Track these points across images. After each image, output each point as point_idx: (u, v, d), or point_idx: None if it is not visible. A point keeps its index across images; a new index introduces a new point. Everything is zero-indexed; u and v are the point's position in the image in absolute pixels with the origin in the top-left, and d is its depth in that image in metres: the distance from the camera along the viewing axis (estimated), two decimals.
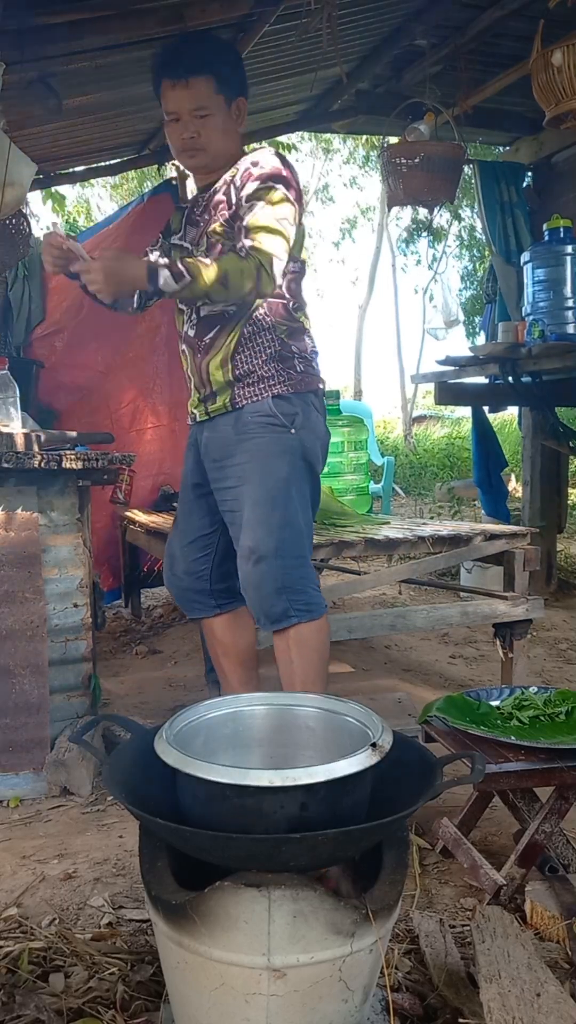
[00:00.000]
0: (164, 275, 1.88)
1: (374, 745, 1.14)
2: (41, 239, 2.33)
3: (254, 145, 2.10)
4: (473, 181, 5.04)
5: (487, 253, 6.64)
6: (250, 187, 1.98)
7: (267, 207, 1.95)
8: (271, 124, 4.79)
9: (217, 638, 2.32)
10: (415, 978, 1.41)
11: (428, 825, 1.98)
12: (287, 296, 2.12)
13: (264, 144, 2.11)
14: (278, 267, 1.94)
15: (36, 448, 2.34)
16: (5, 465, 2.21)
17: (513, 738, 1.72)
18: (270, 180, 1.98)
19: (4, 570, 2.29)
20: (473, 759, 1.23)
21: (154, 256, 2.15)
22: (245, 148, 2.20)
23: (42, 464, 2.27)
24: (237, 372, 2.09)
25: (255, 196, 1.97)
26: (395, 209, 4.41)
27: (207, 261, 1.92)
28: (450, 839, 1.82)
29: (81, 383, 4.50)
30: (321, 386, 2.18)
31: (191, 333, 2.16)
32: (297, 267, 2.14)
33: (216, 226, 2.06)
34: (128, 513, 4.11)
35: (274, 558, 2.02)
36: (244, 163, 2.03)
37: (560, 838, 1.77)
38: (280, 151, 2.08)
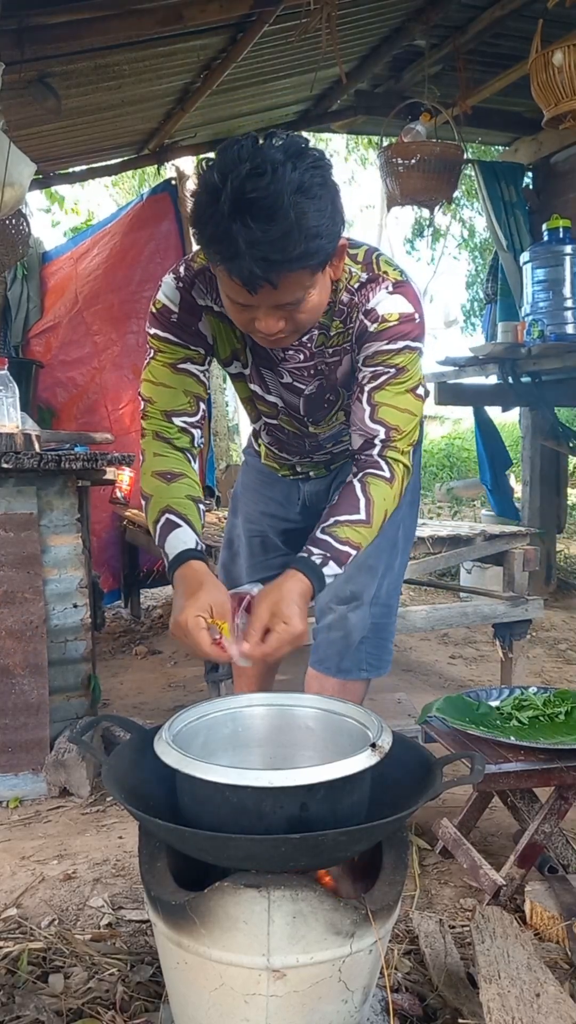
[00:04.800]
0: (330, 571, 1.42)
1: (374, 745, 1.13)
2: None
3: (359, 250, 1.50)
4: (474, 181, 5.05)
5: (488, 253, 6.63)
6: (369, 351, 1.48)
7: (396, 376, 1.47)
8: (271, 124, 4.79)
9: None
10: (415, 978, 1.41)
11: (428, 825, 1.98)
12: None
13: (362, 254, 1.49)
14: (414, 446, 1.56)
15: (36, 448, 2.34)
16: (5, 465, 2.21)
17: (513, 738, 1.72)
18: (400, 339, 1.45)
19: (4, 570, 2.29)
20: (473, 759, 1.23)
21: (311, 555, 1.44)
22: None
23: (42, 464, 2.27)
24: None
25: (377, 361, 1.47)
26: (395, 208, 4.40)
27: (354, 517, 1.45)
28: (450, 839, 1.82)
29: (78, 379, 4.51)
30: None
31: (307, 443, 1.75)
32: None
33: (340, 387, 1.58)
34: (128, 513, 4.11)
35: (370, 605, 1.76)
36: (353, 315, 1.47)
37: (560, 838, 1.77)
38: (403, 271, 1.49)
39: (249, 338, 1.52)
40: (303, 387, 1.57)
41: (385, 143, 4.34)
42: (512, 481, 7.97)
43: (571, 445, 4.76)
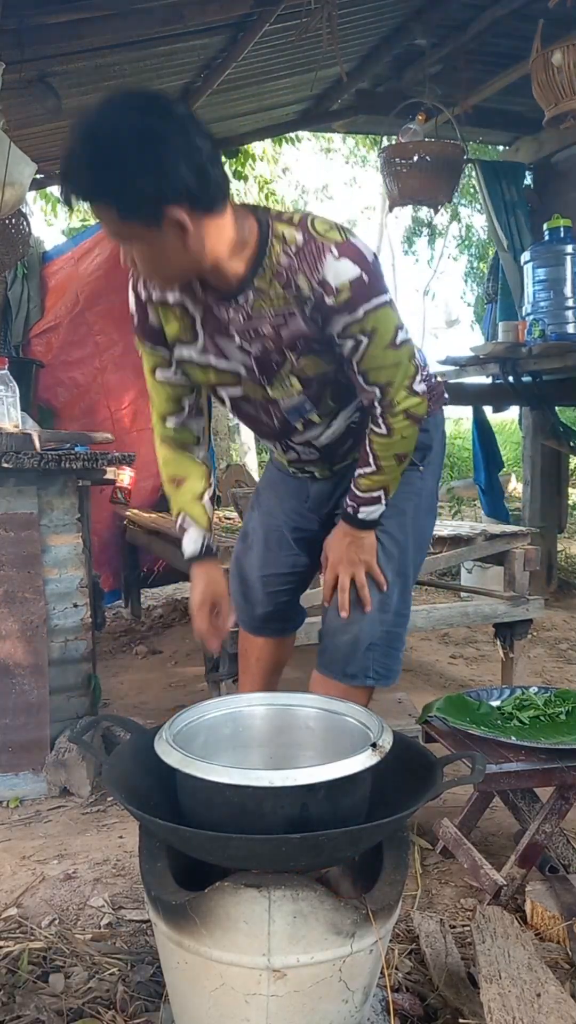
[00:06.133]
0: (367, 513, 1.66)
1: (374, 745, 1.13)
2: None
3: (292, 213, 1.52)
4: (475, 180, 5.05)
5: (488, 252, 6.63)
6: (338, 325, 1.51)
7: (370, 340, 1.52)
8: (271, 123, 4.79)
9: (258, 653, 2.11)
10: (415, 978, 1.41)
11: (429, 825, 1.98)
12: None
13: (288, 231, 1.49)
14: (420, 383, 1.61)
15: (36, 448, 2.34)
16: (5, 465, 2.21)
17: (513, 738, 1.72)
18: (358, 305, 1.48)
19: (4, 570, 2.29)
20: (473, 759, 1.23)
21: (347, 507, 1.71)
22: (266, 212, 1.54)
23: (42, 464, 2.27)
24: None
25: (348, 333, 1.51)
26: (395, 209, 4.39)
27: (367, 469, 1.63)
28: (450, 839, 1.82)
29: (79, 380, 4.50)
30: (446, 396, 1.86)
31: (312, 450, 1.79)
32: None
33: (311, 369, 1.61)
34: (128, 513, 4.11)
35: (379, 611, 1.76)
36: (307, 284, 1.48)
37: (560, 838, 1.77)
38: (318, 226, 1.50)
39: (199, 312, 1.59)
40: (250, 349, 1.60)
41: (386, 143, 4.34)
42: (513, 482, 7.97)
43: (572, 445, 4.76)
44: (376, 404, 1.59)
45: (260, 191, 8.69)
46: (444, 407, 1.87)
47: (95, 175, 1.34)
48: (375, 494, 1.65)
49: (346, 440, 1.77)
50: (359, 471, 1.66)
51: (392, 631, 1.78)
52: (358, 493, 1.66)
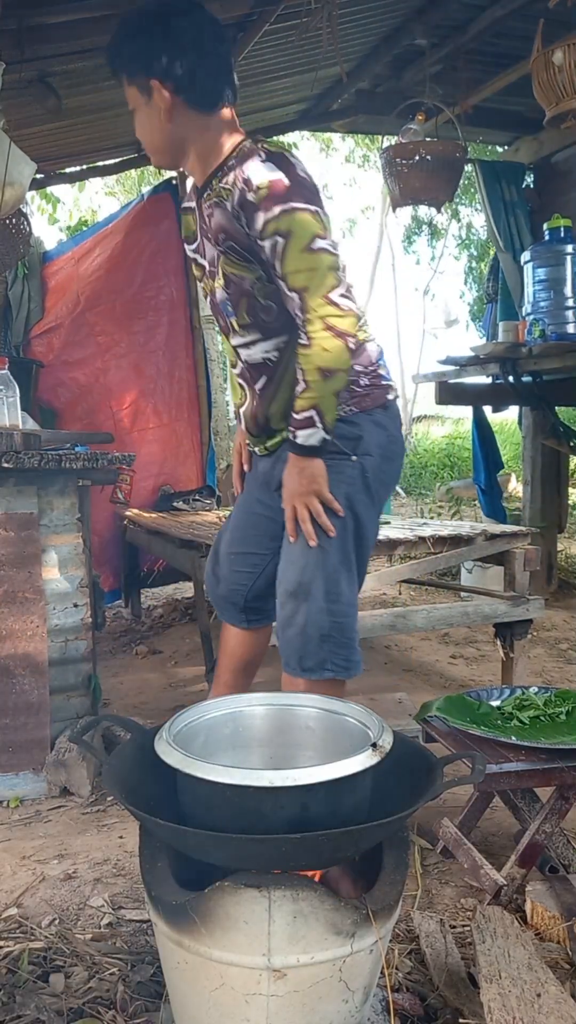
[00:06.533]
0: (304, 438, 1.72)
1: (374, 745, 1.13)
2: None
3: (244, 144, 1.73)
4: (475, 180, 5.05)
5: (489, 252, 6.63)
6: (258, 222, 1.65)
7: (287, 241, 1.64)
8: (271, 123, 4.79)
9: (231, 645, 2.16)
10: (415, 978, 1.41)
11: (429, 825, 1.98)
12: None
13: (248, 144, 1.72)
14: (341, 297, 1.67)
15: (36, 448, 2.34)
16: (5, 465, 2.21)
17: (513, 738, 1.72)
18: (274, 205, 1.63)
19: (4, 570, 2.29)
20: (473, 759, 1.23)
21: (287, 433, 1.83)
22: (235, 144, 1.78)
23: (42, 464, 2.27)
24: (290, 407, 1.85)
25: (266, 233, 1.65)
26: (397, 209, 4.40)
27: (299, 389, 1.71)
28: (451, 839, 1.82)
29: (80, 380, 4.50)
30: (391, 396, 1.91)
31: (245, 375, 1.92)
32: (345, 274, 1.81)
33: (228, 267, 1.77)
34: (128, 513, 4.10)
35: (323, 601, 1.79)
36: (235, 179, 1.67)
37: (560, 838, 1.77)
38: (268, 143, 1.71)
39: (197, 213, 1.85)
40: (207, 242, 1.83)
41: (386, 143, 4.34)
42: (513, 482, 7.97)
43: (572, 445, 4.76)
44: (298, 313, 1.69)
45: None
46: (388, 410, 1.89)
47: (115, 47, 1.75)
48: (308, 414, 1.71)
49: (262, 379, 1.87)
50: (296, 392, 1.72)
51: (342, 621, 1.81)
52: (294, 416, 1.73)
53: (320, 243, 1.65)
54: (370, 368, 1.87)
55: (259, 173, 1.64)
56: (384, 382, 1.89)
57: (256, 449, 1.99)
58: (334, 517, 1.80)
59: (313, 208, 1.66)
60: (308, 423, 1.71)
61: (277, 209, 1.63)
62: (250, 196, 1.64)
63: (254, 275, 1.76)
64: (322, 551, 1.80)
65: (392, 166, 4.05)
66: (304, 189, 1.67)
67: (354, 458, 1.84)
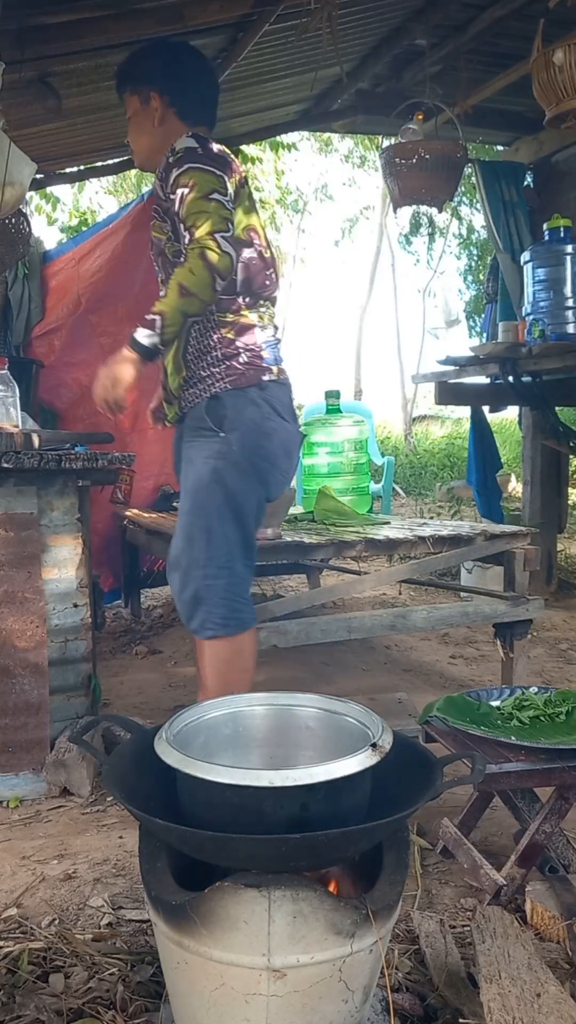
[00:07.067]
0: (142, 336, 1.94)
1: (374, 745, 1.13)
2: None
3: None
4: (474, 180, 5.05)
5: (489, 252, 6.64)
6: (171, 177, 1.98)
7: (190, 191, 1.92)
8: (271, 123, 4.79)
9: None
10: (415, 978, 1.41)
11: (429, 825, 1.98)
12: (236, 291, 2.07)
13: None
14: (224, 240, 1.89)
15: (36, 448, 2.34)
16: (5, 465, 2.21)
17: (513, 738, 1.72)
18: (184, 162, 1.96)
19: (4, 570, 2.29)
20: (473, 759, 1.23)
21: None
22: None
23: (42, 464, 2.27)
24: (185, 375, 2.12)
25: (175, 185, 1.96)
26: (398, 209, 4.40)
27: (162, 291, 1.97)
28: (450, 839, 1.82)
29: (82, 381, 4.50)
30: (266, 377, 2.09)
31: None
32: (251, 256, 2.08)
33: (154, 231, 2.11)
34: (128, 513, 4.10)
35: (193, 568, 2.02)
36: (164, 156, 2.05)
37: (560, 838, 1.77)
38: (204, 131, 2.10)
39: None
40: None
41: (386, 143, 4.34)
42: (513, 482, 7.97)
43: (572, 445, 4.76)
44: (185, 245, 1.92)
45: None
46: (264, 390, 2.07)
47: (122, 69, 2.21)
48: (153, 317, 1.92)
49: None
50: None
51: (215, 583, 2.02)
52: (145, 316, 1.94)
53: (217, 196, 1.92)
54: (253, 348, 2.07)
55: (180, 142, 2.01)
56: (264, 364, 2.08)
57: (170, 417, 2.20)
58: (202, 490, 2.01)
59: (218, 173, 1.95)
60: (150, 324, 1.92)
61: (187, 166, 1.94)
62: (170, 158, 2.00)
63: (166, 235, 2.07)
64: (191, 523, 2.03)
65: (392, 166, 4.05)
66: (213, 158, 1.98)
67: (222, 434, 2.03)
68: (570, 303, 4.13)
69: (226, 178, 1.98)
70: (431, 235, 10.98)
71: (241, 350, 2.06)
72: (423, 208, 4.48)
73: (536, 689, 2.00)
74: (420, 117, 4.10)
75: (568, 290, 4.12)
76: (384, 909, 1.10)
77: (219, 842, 1.07)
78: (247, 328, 2.08)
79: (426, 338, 11.95)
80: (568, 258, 4.12)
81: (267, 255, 2.15)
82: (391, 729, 1.20)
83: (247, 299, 2.10)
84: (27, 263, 4.48)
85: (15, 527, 2.30)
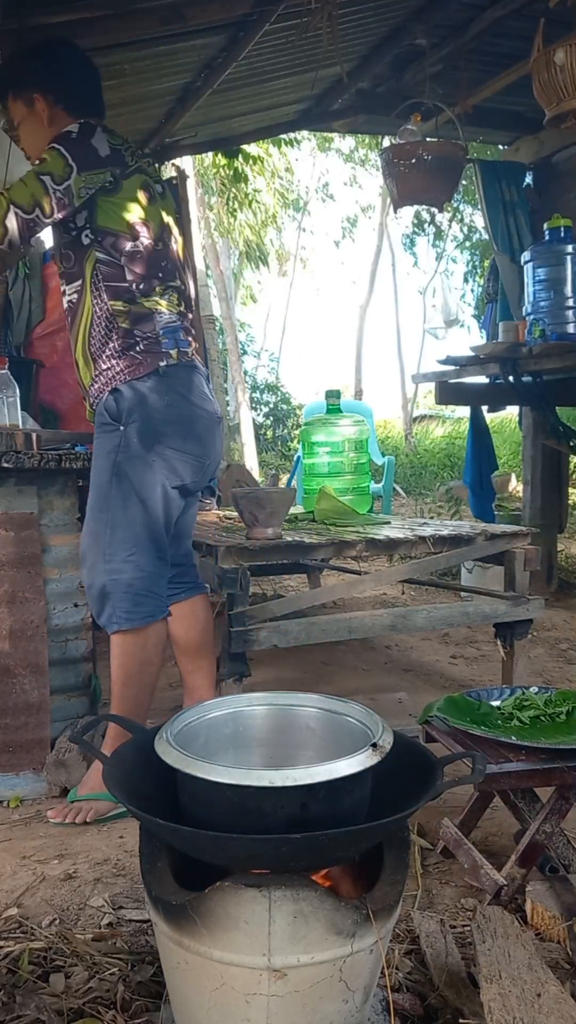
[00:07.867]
0: None
1: (374, 745, 1.13)
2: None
3: None
4: (474, 180, 5.05)
5: (489, 252, 6.64)
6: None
7: (38, 166, 2.00)
8: (272, 123, 4.79)
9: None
10: (416, 978, 1.41)
11: (429, 825, 1.98)
12: (127, 280, 2.07)
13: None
14: (15, 214, 1.94)
15: (36, 448, 2.34)
16: (5, 465, 2.21)
17: (514, 738, 1.72)
18: (54, 141, 2.01)
19: (4, 570, 2.29)
20: (474, 759, 1.23)
21: None
22: None
23: (42, 464, 2.27)
24: (92, 370, 2.13)
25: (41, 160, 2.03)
26: (399, 209, 4.40)
27: None
28: (451, 839, 1.82)
29: None
30: (164, 363, 2.07)
31: (68, 322, 2.22)
32: (141, 246, 2.08)
33: None
34: None
35: (99, 562, 2.04)
36: None
37: (560, 838, 1.77)
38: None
39: None
40: None
41: (386, 143, 4.34)
42: (513, 482, 7.98)
43: (572, 445, 4.76)
44: None
45: (249, 201, 8.75)
46: (164, 376, 2.06)
47: (5, 72, 2.19)
48: None
49: (69, 320, 2.16)
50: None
51: (118, 578, 2.03)
52: None
53: (48, 180, 1.96)
54: (149, 336, 2.06)
55: (68, 127, 2.04)
56: (162, 350, 2.07)
57: (88, 415, 2.25)
58: (104, 485, 2.03)
59: (71, 162, 1.98)
60: None
61: (52, 145, 2.00)
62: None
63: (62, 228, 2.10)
64: (94, 519, 2.05)
65: (392, 166, 4.05)
66: (80, 149, 2.00)
67: (121, 428, 2.04)
68: (570, 303, 4.14)
69: (77, 168, 1.99)
70: (436, 235, 10.98)
71: (139, 339, 2.06)
72: (425, 209, 4.46)
73: (536, 689, 2.00)
74: (418, 118, 4.11)
75: (568, 290, 4.12)
76: (384, 909, 1.10)
77: (219, 842, 1.07)
78: (142, 316, 2.07)
79: (426, 338, 11.95)
80: (568, 258, 4.12)
81: (159, 247, 2.12)
82: (391, 729, 1.20)
83: (141, 286, 2.08)
84: (27, 263, 4.48)
85: (15, 527, 2.30)
